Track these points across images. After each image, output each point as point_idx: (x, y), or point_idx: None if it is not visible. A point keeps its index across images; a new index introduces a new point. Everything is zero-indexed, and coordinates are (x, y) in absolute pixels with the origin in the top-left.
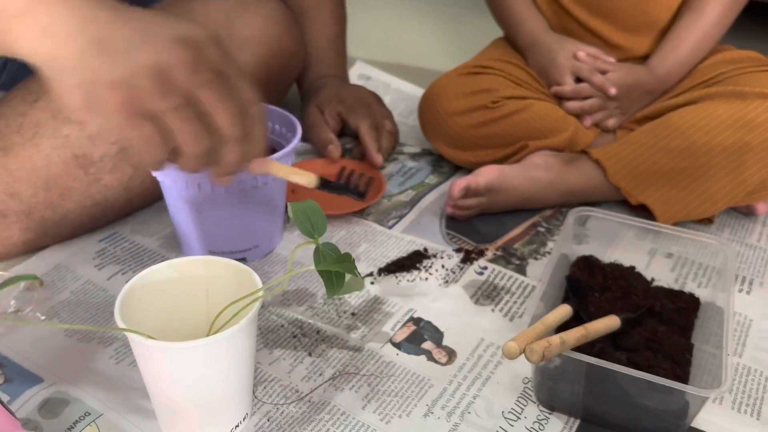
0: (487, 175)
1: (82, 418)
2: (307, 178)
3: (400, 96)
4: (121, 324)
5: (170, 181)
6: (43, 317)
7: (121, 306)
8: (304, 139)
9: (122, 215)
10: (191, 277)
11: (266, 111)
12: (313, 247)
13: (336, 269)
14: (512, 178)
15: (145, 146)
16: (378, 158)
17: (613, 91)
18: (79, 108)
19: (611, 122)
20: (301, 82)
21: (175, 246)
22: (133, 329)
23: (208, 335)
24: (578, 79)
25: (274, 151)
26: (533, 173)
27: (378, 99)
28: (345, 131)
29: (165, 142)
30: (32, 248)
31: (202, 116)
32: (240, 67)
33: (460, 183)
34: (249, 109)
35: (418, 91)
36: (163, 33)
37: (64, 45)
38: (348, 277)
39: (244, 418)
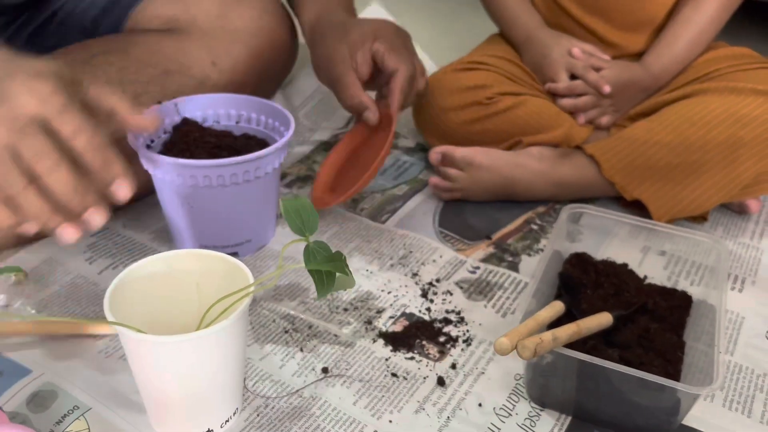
0: (468, 149)
1: (70, 411)
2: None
3: None
4: (110, 317)
5: (162, 174)
6: (33, 311)
7: (111, 299)
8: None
9: (113, 208)
10: (182, 271)
11: (260, 105)
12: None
13: (326, 268)
14: (496, 158)
15: None
16: (395, 115)
17: (607, 88)
18: None
19: (605, 120)
20: (304, 27)
21: (167, 240)
22: (123, 323)
23: (198, 329)
24: (573, 76)
25: (267, 145)
26: (522, 160)
27: (413, 47)
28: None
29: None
30: (21, 241)
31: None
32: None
33: (439, 147)
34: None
35: (430, 65)
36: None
37: None
38: (338, 274)
39: (234, 413)
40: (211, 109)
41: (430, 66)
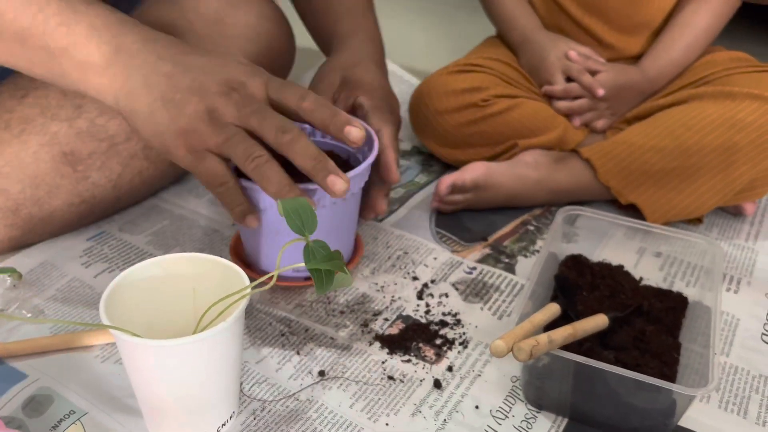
0: (473, 171)
1: (66, 416)
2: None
3: (394, 80)
4: (106, 321)
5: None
6: (28, 315)
7: (107, 303)
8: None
9: (110, 213)
10: (177, 275)
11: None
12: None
13: (326, 267)
14: (499, 176)
15: (208, 176)
16: (397, 175)
17: (600, 91)
18: (157, 150)
19: (600, 123)
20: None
21: (162, 244)
22: (119, 326)
23: (194, 333)
24: (569, 79)
25: (345, 161)
26: (521, 171)
27: (399, 114)
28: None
29: (225, 170)
30: (17, 245)
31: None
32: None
33: (446, 180)
34: (286, 124)
35: (413, 81)
36: (213, 80)
37: (138, 102)
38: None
39: (231, 417)
40: None
41: (418, 73)
